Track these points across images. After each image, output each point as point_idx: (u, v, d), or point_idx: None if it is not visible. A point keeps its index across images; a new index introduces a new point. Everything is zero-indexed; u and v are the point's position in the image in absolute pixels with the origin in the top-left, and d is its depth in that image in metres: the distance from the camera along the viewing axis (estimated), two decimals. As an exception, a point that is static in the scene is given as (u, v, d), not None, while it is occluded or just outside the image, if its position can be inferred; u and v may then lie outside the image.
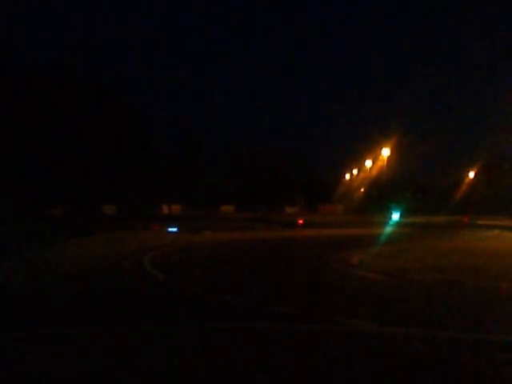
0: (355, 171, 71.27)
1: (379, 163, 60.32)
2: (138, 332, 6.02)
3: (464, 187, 72.90)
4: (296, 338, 5.87)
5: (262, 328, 6.24)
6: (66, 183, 48.72)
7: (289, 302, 7.95)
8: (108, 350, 5.22)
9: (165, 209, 66.62)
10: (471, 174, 72.88)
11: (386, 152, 55.36)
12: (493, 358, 4.96)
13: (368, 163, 63.79)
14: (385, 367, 4.74)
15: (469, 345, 5.60)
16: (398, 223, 42.04)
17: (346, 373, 4.57)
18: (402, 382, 4.43)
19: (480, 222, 41.87)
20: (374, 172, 64.48)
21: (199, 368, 4.66)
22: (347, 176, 75.12)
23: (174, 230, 29.29)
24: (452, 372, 4.63)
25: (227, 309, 7.61)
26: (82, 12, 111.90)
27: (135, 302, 8.23)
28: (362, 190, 72.98)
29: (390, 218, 47.93)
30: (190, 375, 4.49)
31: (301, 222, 40.82)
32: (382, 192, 67.53)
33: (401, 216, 50.97)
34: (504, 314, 7.40)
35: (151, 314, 7.23)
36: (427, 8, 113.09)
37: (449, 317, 7.14)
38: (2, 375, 4.42)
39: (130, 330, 6.10)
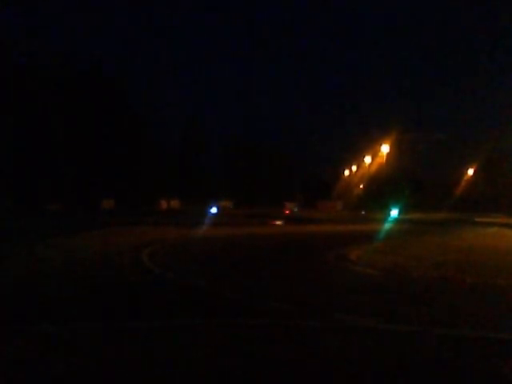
0: (354, 168, 71.26)
1: (378, 160, 60.28)
2: (137, 327, 6.03)
3: (463, 184, 72.98)
4: (296, 334, 5.89)
5: (262, 324, 6.26)
6: (66, 178, 48.76)
7: (288, 298, 7.96)
8: (108, 346, 5.25)
9: (163, 204, 66.55)
10: (470, 172, 72.95)
11: (385, 148, 55.33)
12: (493, 356, 4.99)
13: (367, 160, 63.75)
14: (385, 363, 4.77)
15: (468, 341, 5.63)
16: (396, 220, 42.07)
17: (346, 369, 4.60)
18: (402, 378, 4.46)
19: (478, 220, 41.93)
20: (373, 168, 64.45)
21: (198, 363, 4.68)
22: (346, 172, 75.09)
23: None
24: (451, 369, 4.66)
25: (227, 305, 7.63)
26: (81, 11, 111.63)
27: (133, 296, 8.24)
28: (361, 186, 73.03)
29: (389, 214, 47.97)
30: (190, 371, 4.52)
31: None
32: (381, 189, 67.61)
33: (399, 213, 50.99)
34: (502, 311, 7.43)
35: (149, 308, 7.24)
36: (427, 8, 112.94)
37: (446, 314, 7.17)
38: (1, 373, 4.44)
39: (129, 325, 6.12)
